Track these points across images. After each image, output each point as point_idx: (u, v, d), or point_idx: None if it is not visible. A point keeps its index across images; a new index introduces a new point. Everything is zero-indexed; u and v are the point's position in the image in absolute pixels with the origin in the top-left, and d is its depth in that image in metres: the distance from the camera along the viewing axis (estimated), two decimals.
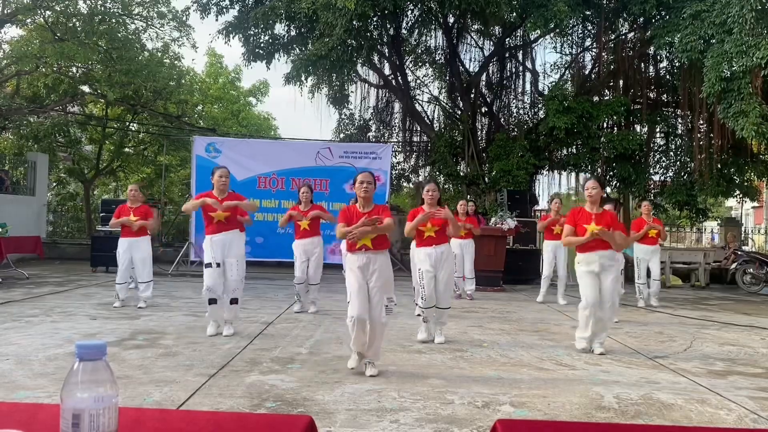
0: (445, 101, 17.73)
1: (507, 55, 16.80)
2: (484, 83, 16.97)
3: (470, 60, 17.07)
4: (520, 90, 17.19)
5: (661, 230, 8.99)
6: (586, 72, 15.88)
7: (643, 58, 14.98)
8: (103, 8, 13.28)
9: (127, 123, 18.22)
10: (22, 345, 4.95)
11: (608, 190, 14.65)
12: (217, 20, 14.00)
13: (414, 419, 3.37)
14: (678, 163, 14.91)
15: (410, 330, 6.10)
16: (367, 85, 17.58)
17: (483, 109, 16.99)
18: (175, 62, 15.23)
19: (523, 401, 3.79)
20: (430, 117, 17.63)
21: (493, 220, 11.27)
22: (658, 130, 15.07)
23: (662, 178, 15.12)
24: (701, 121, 13.63)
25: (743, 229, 17.54)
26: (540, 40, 16.13)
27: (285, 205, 11.78)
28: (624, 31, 15.18)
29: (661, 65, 15.31)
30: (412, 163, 18.04)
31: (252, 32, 13.65)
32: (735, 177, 13.74)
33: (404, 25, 15.61)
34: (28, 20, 13.15)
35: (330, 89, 16.62)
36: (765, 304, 10.12)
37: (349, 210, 4.57)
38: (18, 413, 1.11)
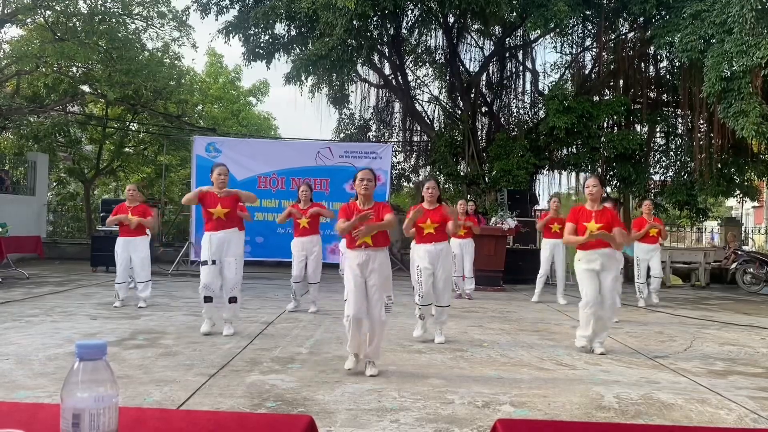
0: (445, 101, 17.72)
1: (507, 54, 16.79)
2: (484, 83, 16.96)
3: (470, 60, 17.09)
4: (520, 90, 17.20)
5: (661, 229, 9.00)
6: (586, 72, 15.87)
7: (643, 58, 14.97)
8: (103, 8, 13.29)
9: (127, 123, 18.23)
10: (23, 345, 4.95)
11: (608, 189, 14.65)
12: (217, 20, 14.00)
13: (414, 419, 3.37)
14: (678, 162, 14.91)
15: (410, 330, 6.09)
16: (367, 84, 17.58)
17: (483, 109, 16.99)
18: (175, 62, 15.24)
19: (524, 401, 3.79)
20: (431, 117, 17.62)
21: (493, 219, 11.27)
22: (658, 129, 15.06)
23: (662, 177, 15.12)
24: (701, 121, 13.62)
25: (743, 228, 17.53)
26: (540, 40, 16.13)
27: (285, 204, 11.75)
28: (624, 31, 15.18)
29: (662, 65, 15.32)
30: (412, 162, 18.05)
31: (252, 32, 13.64)
32: (735, 177, 13.74)
33: (404, 24, 15.60)
34: (28, 20, 13.15)
35: (330, 89, 16.60)
36: (765, 303, 10.12)
37: (350, 207, 4.56)
38: (18, 413, 1.11)
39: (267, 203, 12.14)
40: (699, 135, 13.55)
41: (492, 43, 16.56)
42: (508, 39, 16.21)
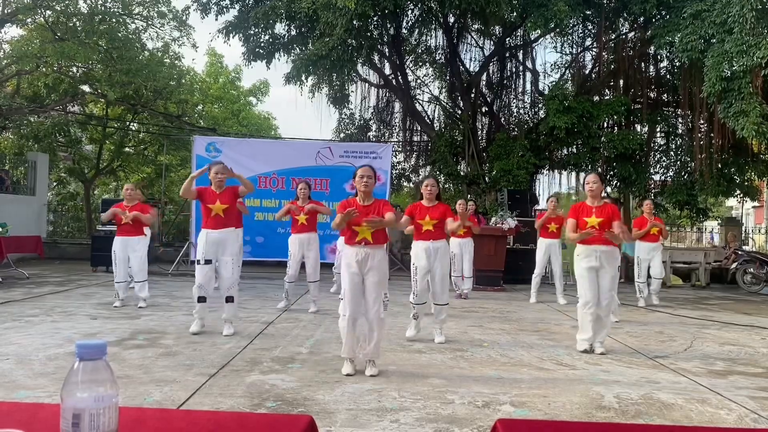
0: (445, 101, 17.72)
1: (507, 54, 16.79)
2: (484, 83, 16.96)
3: (470, 60, 17.09)
4: (520, 90, 17.20)
5: (662, 228, 9.01)
6: (587, 72, 15.87)
7: (644, 58, 14.97)
8: (103, 8, 13.29)
9: (128, 123, 18.23)
10: (23, 345, 4.95)
11: (608, 189, 14.66)
12: (217, 20, 14.01)
13: (414, 419, 3.37)
14: (678, 162, 14.91)
15: None
16: (367, 84, 17.57)
17: (483, 109, 16.99)
18: (176, 62, 15.24)
19: (524, 401, 3.79)
20: (431, 117, 17.62)
21: (493, 219, 11.27)
22: (658, 129, 15.06)
23: (662, 177, 15.11)
24: (701, 121, 13.62)
25: (743, 228, 17.53)
26: (540, 40, 16.13)
27: (285, 204, 11.79)
28: (624, 31, 15.18)
29: (662, 65, 15.31)
30: (412, 162, 18.04)
31: (252, 32, 13.65)
32: (735, 177, 13.74)
33: (404, 24, 15.60)
34: (29, 20, 13.15)
35: (330, 89, 16.60)
36: (765, 303, 10.12)
37: (349, 202, 4.55)
38: (18, 413, 1.11)
39: (267, 203, 12.14)
40: (699, 135, 13.55)
41: (492, 43, 16.57)
42: (508, 39, 16.21)
